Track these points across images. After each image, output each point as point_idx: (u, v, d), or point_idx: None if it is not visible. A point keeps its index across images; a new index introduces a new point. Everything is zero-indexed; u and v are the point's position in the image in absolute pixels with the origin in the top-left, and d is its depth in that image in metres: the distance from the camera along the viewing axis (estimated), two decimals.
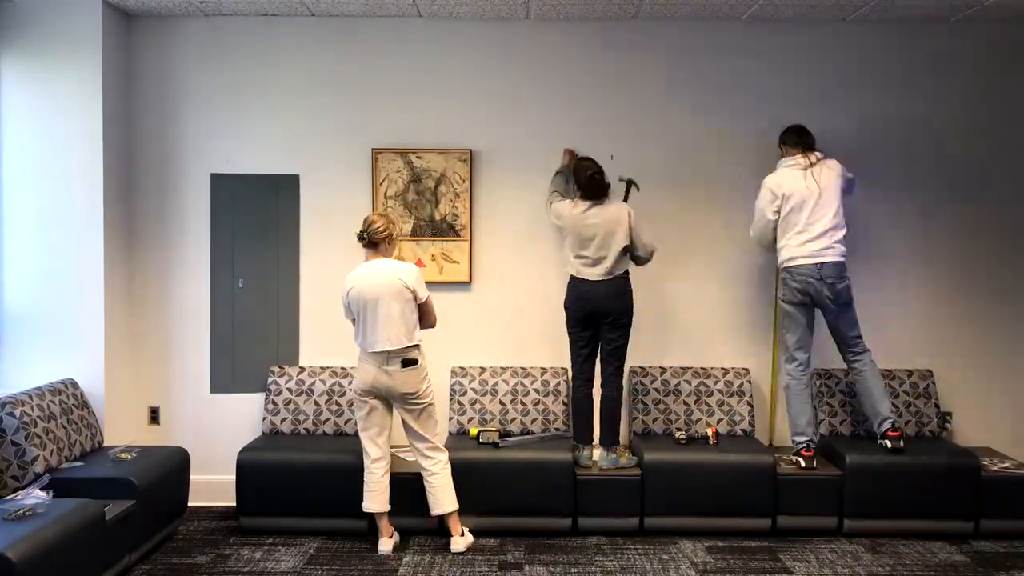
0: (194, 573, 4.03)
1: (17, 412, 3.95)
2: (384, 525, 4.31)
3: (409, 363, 4.21)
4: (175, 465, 4.43)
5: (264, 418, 4.92)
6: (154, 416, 5.07)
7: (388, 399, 4.28)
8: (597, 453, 4.63)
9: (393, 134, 5.03)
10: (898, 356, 5.01)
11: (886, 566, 4.15)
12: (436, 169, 5.01)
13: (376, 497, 4.27)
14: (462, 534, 4.31)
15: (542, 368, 5.00)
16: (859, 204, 4.82)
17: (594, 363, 4.65)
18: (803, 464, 4.50)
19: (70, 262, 4.64)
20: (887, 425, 4.52)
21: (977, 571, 4.11)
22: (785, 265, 4.56)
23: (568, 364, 4.79)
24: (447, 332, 5.04)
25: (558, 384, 4.95)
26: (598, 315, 4.53)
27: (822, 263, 4.46)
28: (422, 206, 5.02)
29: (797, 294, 4.51)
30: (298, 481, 4.46)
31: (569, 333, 4.67)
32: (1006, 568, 4.15)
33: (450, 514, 4.28)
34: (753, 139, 5.00)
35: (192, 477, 4.68)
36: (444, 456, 4.33)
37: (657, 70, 5.01)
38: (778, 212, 4.55)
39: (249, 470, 4.48)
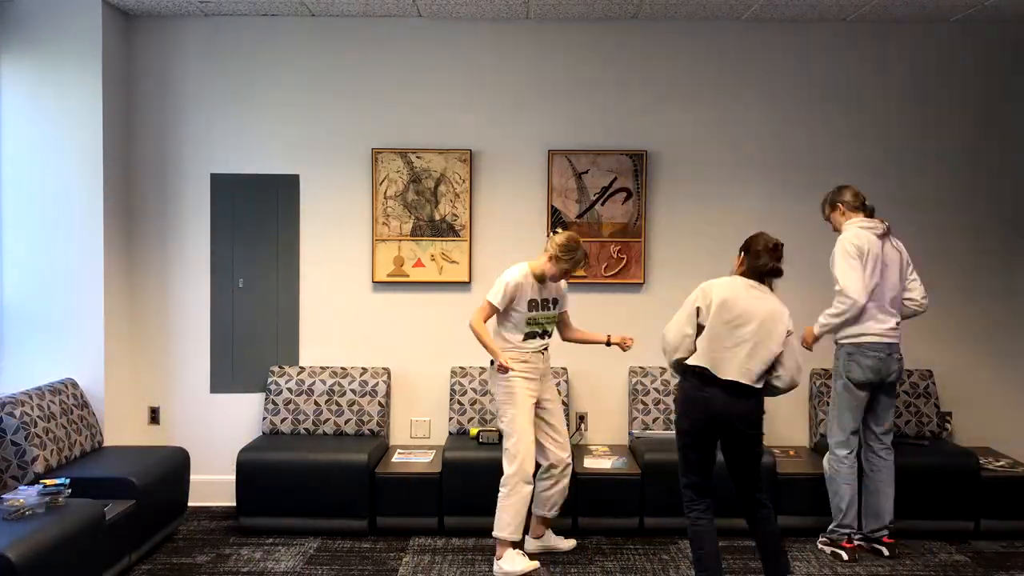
0: (194, 573, 4.03)
1: (17, 412, 3.95)
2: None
3: None
4: (175, 465, 4.43)
5: (264, 418, 4.92)
6: (154, 416, 5.07)
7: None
8: None
9: (393, 134, 5.03)
10: None
11: (886, 566, 4.15)
12: (436, 169, 5.01)
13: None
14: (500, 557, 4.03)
15: None
16: None
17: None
18: (846, 557, 4.16)
19: (70, 262, 4.64)
20: (885, 532, 4.25)
21: (977, 571, 4.11)
22: (856, 340, 4.13)
23: (565, 364, 4.76)
24: (447, 332, 5.04)
25: (557, 384, 4.94)
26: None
27: (895, 342, 4.17)
28: (422, 206, 5.02)
29: (868, 372, 4.14)
30: (298, 481, 4.46)
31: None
32: (1006, 568, 4.14)
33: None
34: (753, 139, 5.01)
35: (192, 477, 4.68)
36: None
37: (657, 70, 5.01)
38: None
39: (249, 470, 4.48)
